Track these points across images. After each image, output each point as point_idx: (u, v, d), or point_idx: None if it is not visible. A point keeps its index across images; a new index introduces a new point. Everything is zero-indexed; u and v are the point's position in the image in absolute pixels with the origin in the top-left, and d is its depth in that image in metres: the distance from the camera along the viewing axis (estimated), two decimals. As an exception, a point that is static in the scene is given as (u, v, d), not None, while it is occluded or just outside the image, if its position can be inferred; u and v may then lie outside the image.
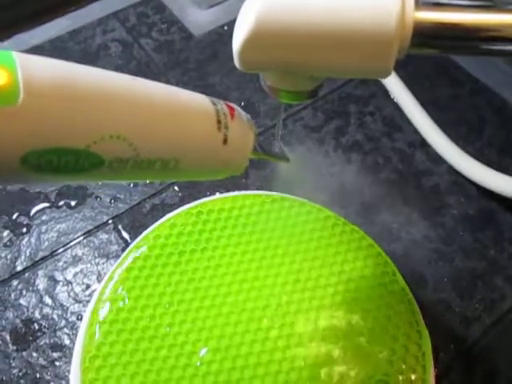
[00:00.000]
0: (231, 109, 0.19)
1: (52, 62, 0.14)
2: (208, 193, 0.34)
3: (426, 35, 0.16)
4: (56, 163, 0.14)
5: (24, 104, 0.13)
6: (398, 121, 0.39)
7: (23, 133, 0.13)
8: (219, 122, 0.18)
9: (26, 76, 0.13)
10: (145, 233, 0.28)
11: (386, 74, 0.17)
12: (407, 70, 0.41)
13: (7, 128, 0.13)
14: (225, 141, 0.18)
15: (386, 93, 0.40)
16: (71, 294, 0.30)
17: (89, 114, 0.14)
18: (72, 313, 0.29)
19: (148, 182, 0.35)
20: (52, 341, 0.29)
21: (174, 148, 0.17)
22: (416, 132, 0.38)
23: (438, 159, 0.37)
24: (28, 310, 0.29)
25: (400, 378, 0.25)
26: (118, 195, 0.34)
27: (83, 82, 0.14)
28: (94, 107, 0.14)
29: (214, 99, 0.18)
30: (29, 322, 0.29)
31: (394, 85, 0.39)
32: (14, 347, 0.28)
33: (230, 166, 0.19)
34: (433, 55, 0.18)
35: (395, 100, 0.40)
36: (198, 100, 0.18)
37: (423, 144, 0.37)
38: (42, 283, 0.30)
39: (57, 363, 0.28)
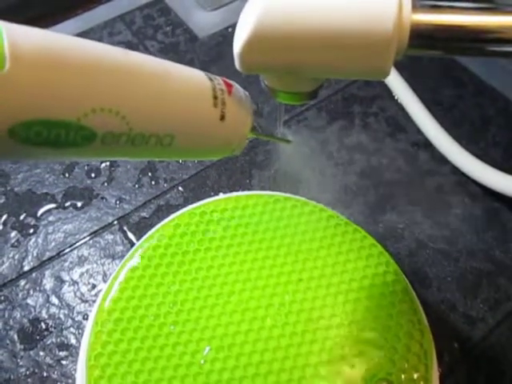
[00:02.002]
0: (229, 85, 0.18)
1: (41, 31, 0.14)
2: (212, 193, 0.35)
3: (423, 37, 0.16)
4: (46, 136, 0.14)
5: (10, 73, 0.12)
6: (401, 121, 0.39)
7: (10, 103, 0.12)
8: (215, 97, 0.17)
9: (13, 43, 0.12)
10: (149, 233, 0.29)
11: (384, 75, 0.17)
12: (411, 70, 0.41)
13: None
14: (222, 117, 0.18)
15: (389, 93, 0.40)
16: (77, 293, 0.31)
17: (78, 85, 0.14)
18: (78, 312, 0.30)
19: (153, 182, 0.35)
20: (59, 340, 0.29)
21: (169, 123, 0.16)
22: (420, 132, 0.38)
23: (441, 159, 0.37)
24: (35, 310, 0.30)
25: (402, 376, 0.25)
26: (123, 196, 0.34)
27: (73, 52, 0.14)
28: (84, 78, 0.14)
29: (211, 75, 0.18)
30: (36, 321, 0.29)
31: (397, 85, 0.39)
32: (22, 346, 0.29)
33: (227, 144, 0.19)
34: (431, 56, 0.18)
35: (399, 100, 0.40)
36: (193, 75, 0.17)
37: (427, 144, 0.37)
38: (48, 283, 0.31)
39: (63, 362, 0.28)
